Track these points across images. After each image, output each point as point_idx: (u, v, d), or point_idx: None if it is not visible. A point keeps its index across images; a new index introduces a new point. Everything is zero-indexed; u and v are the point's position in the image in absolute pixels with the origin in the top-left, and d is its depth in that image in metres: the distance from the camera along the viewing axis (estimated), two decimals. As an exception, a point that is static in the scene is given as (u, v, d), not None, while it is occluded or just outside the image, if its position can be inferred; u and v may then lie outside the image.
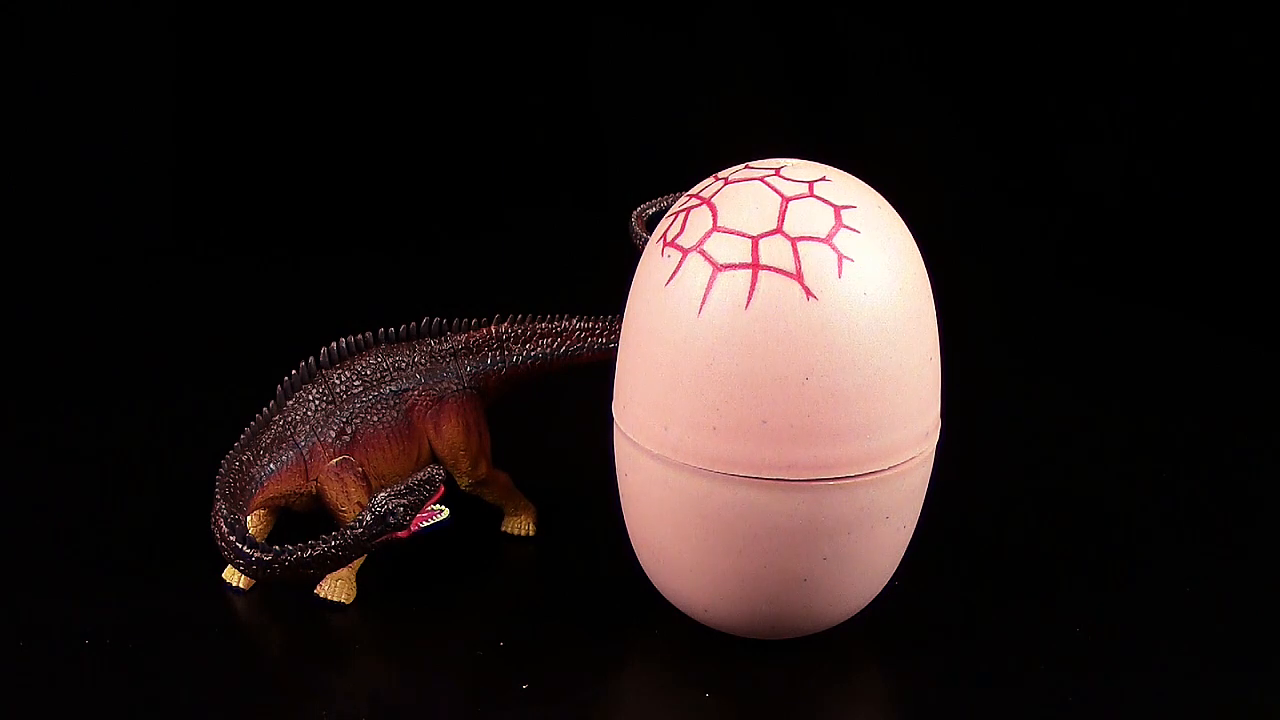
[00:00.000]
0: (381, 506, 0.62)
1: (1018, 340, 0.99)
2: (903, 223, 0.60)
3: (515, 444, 0.75)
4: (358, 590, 0.67)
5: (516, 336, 0.73)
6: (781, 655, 0.64)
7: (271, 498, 0.66)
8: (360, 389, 0.69)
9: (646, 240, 0.63)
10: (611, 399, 0.63)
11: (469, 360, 0.72)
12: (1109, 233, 1.08)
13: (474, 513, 0.73)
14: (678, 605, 0.64)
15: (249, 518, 0.68)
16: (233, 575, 0.68)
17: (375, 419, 0.69)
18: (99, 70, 1.09)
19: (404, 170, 1.14)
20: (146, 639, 0.64)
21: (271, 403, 0.67)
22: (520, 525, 0.74)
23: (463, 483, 0.72)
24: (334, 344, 0.69)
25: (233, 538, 0.60)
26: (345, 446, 0.67)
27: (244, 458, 0.65)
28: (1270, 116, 1.05)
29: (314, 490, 0.67)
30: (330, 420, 0.68)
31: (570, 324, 0.73)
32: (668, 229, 0.60)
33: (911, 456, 0.59)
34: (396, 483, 0.64)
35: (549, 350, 0.73)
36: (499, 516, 0.74)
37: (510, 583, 0.71)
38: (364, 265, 1.06)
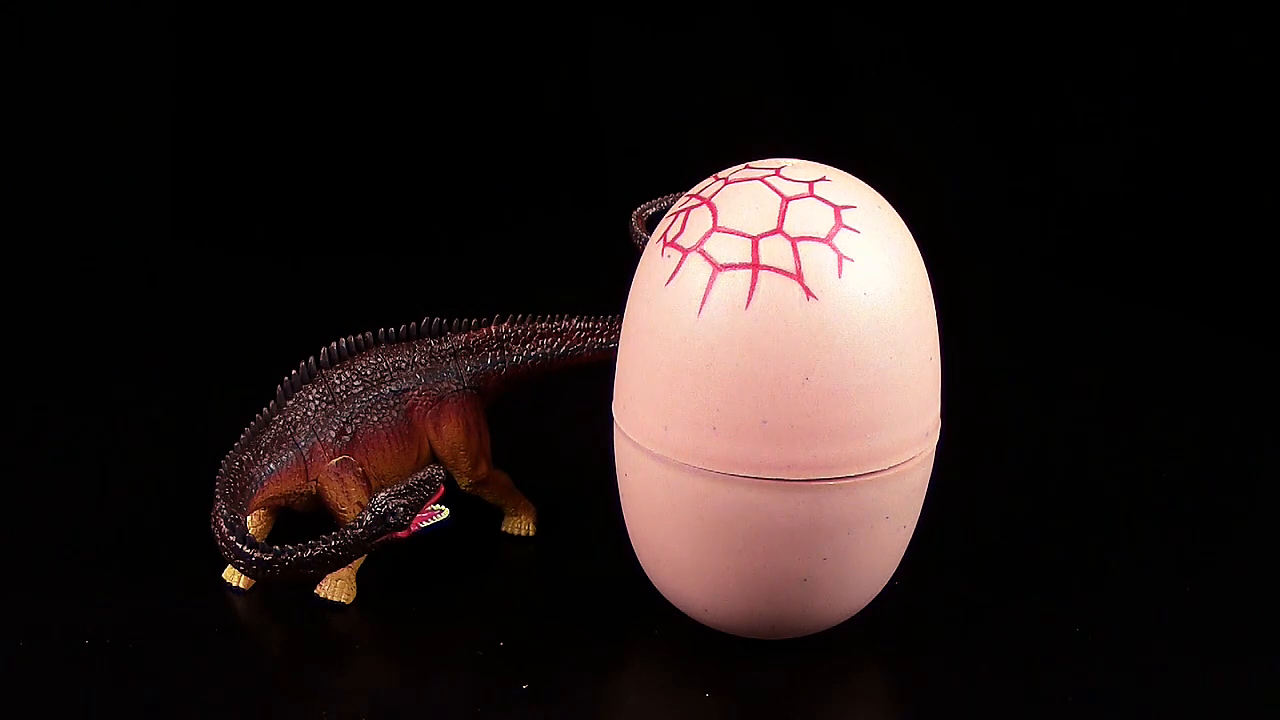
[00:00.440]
0: (381, 506, 0.62)
1: (1018, 340, 0.99)
2: (903, 223, 0.60)
3: (515, 444, 0.75)
4: (358, 590, 0.67)
5: (516, 336, 0.73)
6: (781, 655, 0.64)
7: (271, 498, 0.66)
8: (360, 389, 0.69)
9: (646, 240, 0.63)
10: (611, 399, 0.63)
11: (469, 360, 0.72)
12: (1109, 233, 1.08)
13: (474, 513, 0.73)
14: (678, 605, 0.64)
15: (249, 518, 0.68)
16: (233, 575, 0.68)
17: (375, 419, 0.69)
18: (99, 69, 1.09)
19: (404, 170, 1.13)
20: (146, 639, 0.64)
21: (271, 403, 0.67)
22: (520, 525, 0.74)
23: (463, 483, 0.72)
24: (334, 344, 0.69)
25: (233, 538, 0.60)
26: (345, 446, 0.67)
27: (244, 458, 0.65)
28: (1270, 116, 1.05)
29: (314, 490, 0.67)
30: (330, 420, 0.67)
31: (570, 324, 0.73)
32: (668, 229, 0.60)
33: (911, 456, 0.59)
34: (396, 483, 0.64)
35: (549, 350, 0.73)
36: (499, 516, 0.74)
37: (510, 583, 0.71)
38: (364, 265, 1.06)
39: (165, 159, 1.11)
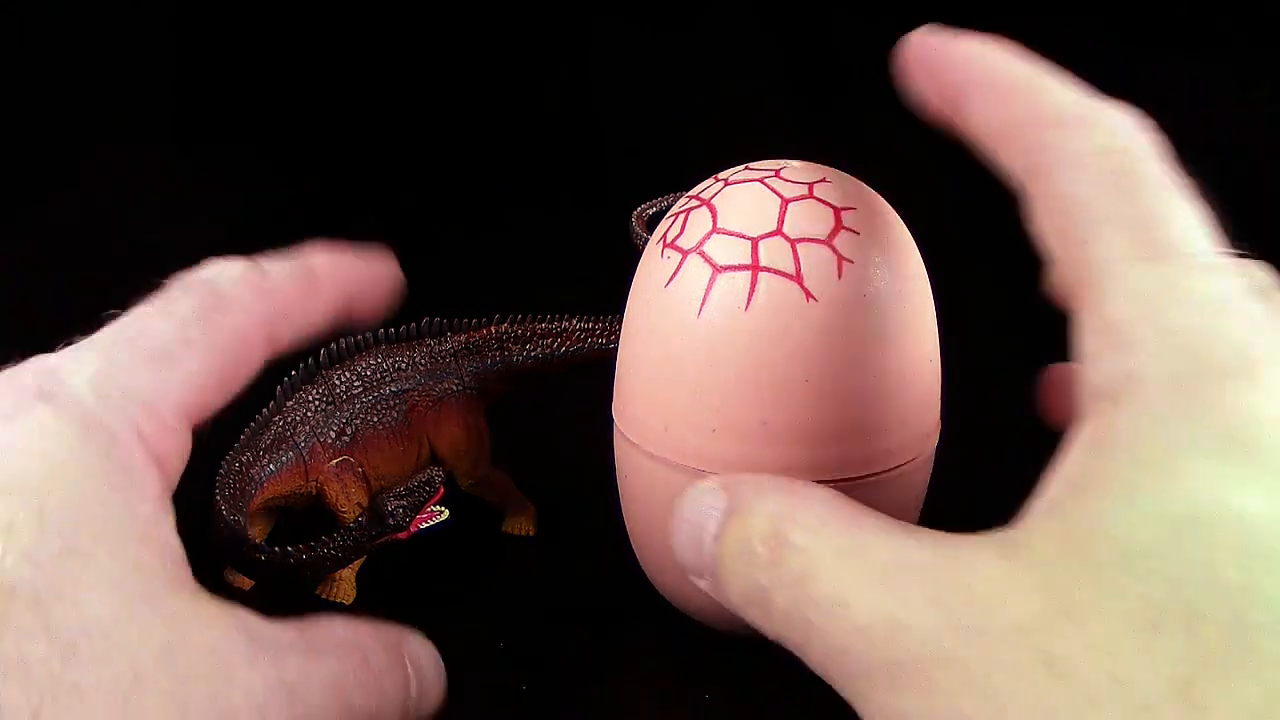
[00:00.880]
0: (381, 507, 0.62)
1: (1018, 340, 0.99)
2: (903, 223, 0.60)
3: (515, 444, 0.75)
4: (358, 590, 0.67)
5: (516, 337, 0.73)
6: (782, 655, 0.64)
7: (271, 498, 0.66)
8: (360, 390, 0.69)
9: (647, 240, 0.63)
10: (611, 400, 0.63)
11: (469, 360, 0.72)
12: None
13: (474, 513, 0.73)
14: (677, 605, 0.64)
15: (249, 518, 0.68)
16: (232, 576, 0.68)
17: (375, 419, 0.69)
18: (98, 70, 1.09)
19: (404, 170, 1.14)
20: (147, 639, 0.64)
21: (271, 403, 0.67)
22: (520, 525, 0.74)
23: (463, 483, 0.72)
24: (334, 344, 0.69)
25: (233, 538, 0.60)
26: (345, 447, 0.68)
27: (244, 458, 0.65)
28: (1269, 116, 1.05)
29: (314, 491, 0.67)
30: (330, 421, 0.67)
31: (570, 324, 0.74)
32: (667, 230, 0.60)
33: (913, 458, 0.59)
34: (397, 483, 0.64)
35: (549, 350, 0.73)
36: (499, 517, 0.74)
37: (510, 583, 0.71)
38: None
39: (165, 158, 1.11)
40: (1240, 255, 0.42)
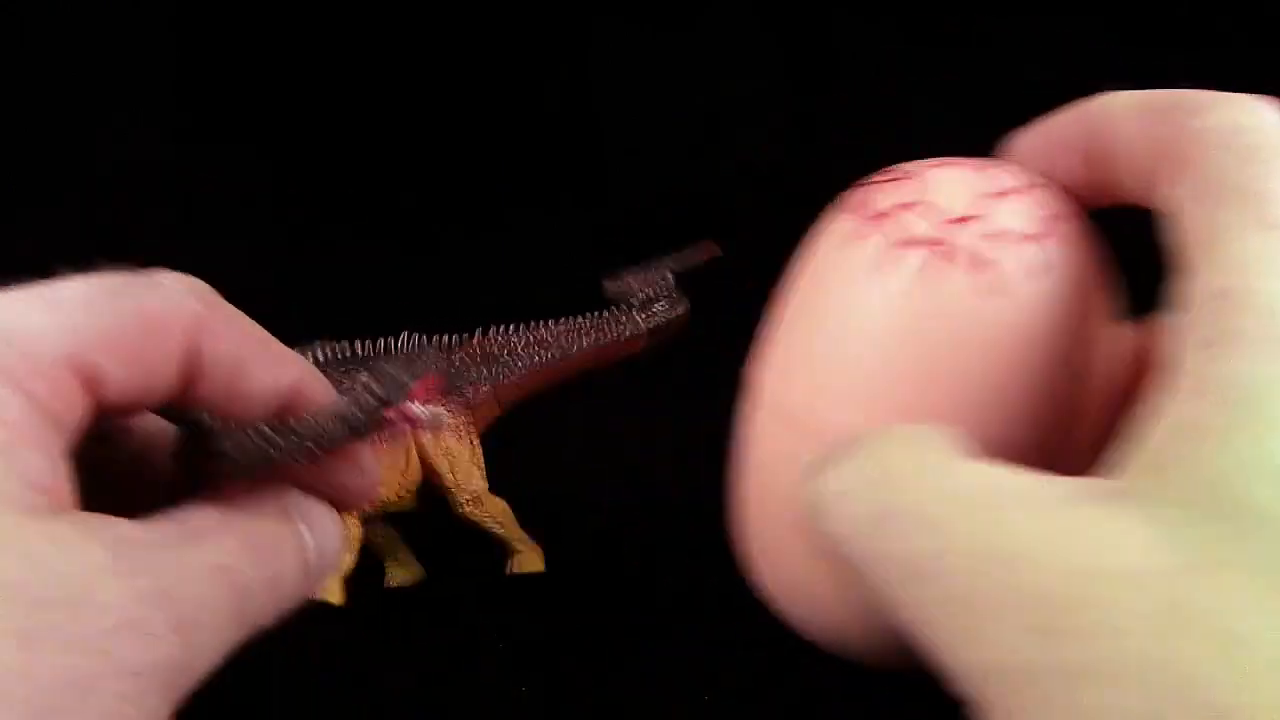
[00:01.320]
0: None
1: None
2: (1101, 237, 0.57)
3: (516, 446, 0.74)
4: (356, 590, 0.67)
5: (501, 347, 0.69)
6: (782, 655, 0.64)
7: None
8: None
9: (628, 304, 0.60)
10: (760, 385, 0.57)
11: (457, 371, 0.68)
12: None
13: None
14: (807, 631, 0.57)
15: None
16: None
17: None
18: (98, 69, 1.09)
19: (403, 170, 1.14)
20: (147, 639, 0.64)
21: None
22: (529, 562, 0.71)
23: (461, 499, 0.69)
24: (312, 354, 0.66)
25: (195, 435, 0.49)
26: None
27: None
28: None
29: None
30: None
31: (553, 328, 0.69)
32: (864, 202, 0.55)
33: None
34: (389, 503, 0.62)
35: (539, 358, 0.69)
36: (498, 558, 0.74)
37: (510, 583, 0.71)
38: (363, 265, 1.06)
39: (165, 157, 1.11)
40: None
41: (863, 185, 0.57)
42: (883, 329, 0.53)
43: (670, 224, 1.01)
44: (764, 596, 0.57)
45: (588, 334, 0.70)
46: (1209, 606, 0.34)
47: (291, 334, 0.81)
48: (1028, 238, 0.53)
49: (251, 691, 0.62)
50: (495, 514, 0.70)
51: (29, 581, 0.36)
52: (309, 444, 0.46)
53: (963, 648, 0.39)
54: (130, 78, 1.10)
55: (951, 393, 0.52)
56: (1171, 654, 0.34)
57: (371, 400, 0.46)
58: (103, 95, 1.10)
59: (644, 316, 0.68)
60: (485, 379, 0.69)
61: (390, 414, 0.46)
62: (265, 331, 0.49)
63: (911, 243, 0.53)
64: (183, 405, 0.46)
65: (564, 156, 1.16)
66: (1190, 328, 0.42)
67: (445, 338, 0.68)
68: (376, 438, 0.47)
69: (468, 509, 0.69)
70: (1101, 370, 0.55)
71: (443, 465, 0.67)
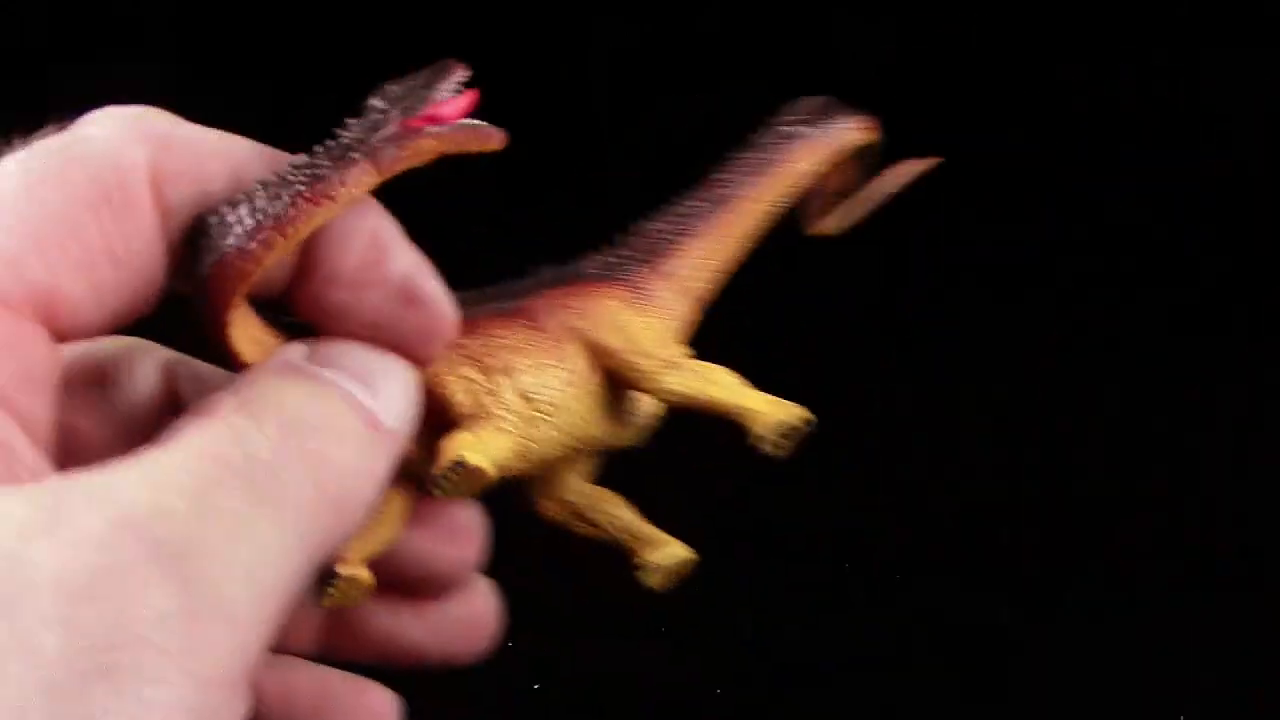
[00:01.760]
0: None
1: (1016, 341, 0.99)
2: None
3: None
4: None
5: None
6: (783, 656, 0.64)
7: None
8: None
9: None
10: None
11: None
12: (1108, 232, 1.08)
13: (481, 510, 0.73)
14: None
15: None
16: None
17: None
18: (97, 69, 1.09)
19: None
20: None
21: None
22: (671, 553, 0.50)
23: (656, 386, 0.45)
24: None
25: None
26: None
27: None
28: (1269, 117, 1.05)
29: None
30: None
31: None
32: None
33: None
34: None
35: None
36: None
37: (510, 583, 0.71)
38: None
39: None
40: None
41: None
42: None
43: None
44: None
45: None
46: None
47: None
48: None
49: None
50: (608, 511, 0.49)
51: None
52: (319, 170, 0.38)
53: None
54: (125, 76, 1.11)
55: None
56: None
57: (377, 116, 0.37)
58: (102, 96, 1.10)
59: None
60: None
61: (412, 123, 0.38)
62: (249, 143, 0.40)
63: None
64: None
65: (564, 156, 1.16)
66: None
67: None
68: (401, 159, 0.38)
69: (669, 382, 0.45)
70: None
71: (615, 339, 0.46)
